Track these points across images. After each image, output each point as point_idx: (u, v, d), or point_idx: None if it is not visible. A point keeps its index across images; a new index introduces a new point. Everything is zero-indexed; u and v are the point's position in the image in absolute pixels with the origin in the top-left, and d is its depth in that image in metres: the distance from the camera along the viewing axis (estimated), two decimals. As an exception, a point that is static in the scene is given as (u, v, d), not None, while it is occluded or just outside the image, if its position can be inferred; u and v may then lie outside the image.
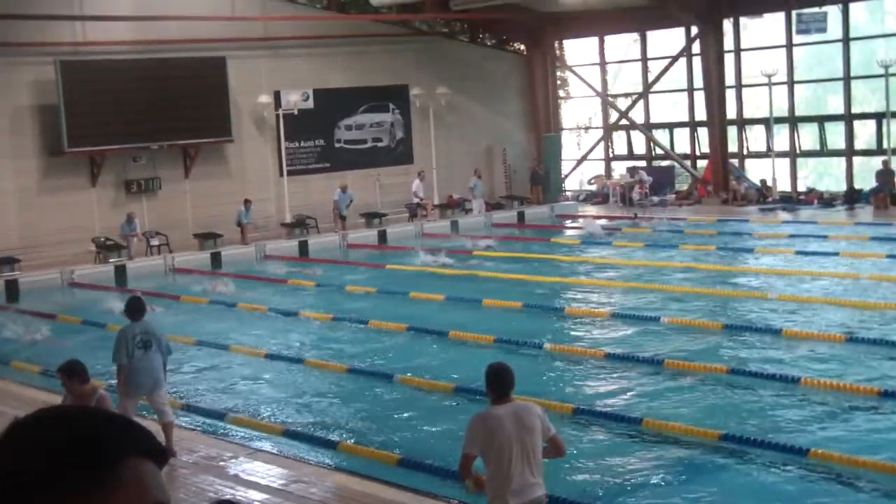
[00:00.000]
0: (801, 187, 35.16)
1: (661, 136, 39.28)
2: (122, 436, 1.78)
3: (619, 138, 40.86)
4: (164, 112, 30.29)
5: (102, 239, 29.57)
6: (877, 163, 32.72)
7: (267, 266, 28.89)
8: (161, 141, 30.68)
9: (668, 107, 39.58)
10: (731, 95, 36.21)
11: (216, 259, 29.46)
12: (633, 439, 12.35)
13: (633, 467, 11.44)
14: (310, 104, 33.58)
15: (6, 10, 28.32)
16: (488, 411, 7.87)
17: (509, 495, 7.65)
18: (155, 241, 30.17)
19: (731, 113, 36.27)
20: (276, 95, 32.98)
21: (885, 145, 33.10)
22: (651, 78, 38.80)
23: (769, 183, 34.78)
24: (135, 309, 12.18)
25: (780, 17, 34.85)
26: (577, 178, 41.49)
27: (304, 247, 30.86)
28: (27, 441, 1.75)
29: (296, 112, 32.73)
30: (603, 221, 33.33)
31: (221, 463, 11.48)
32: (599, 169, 41.06)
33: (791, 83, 34.97)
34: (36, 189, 29.62)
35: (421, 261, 27.06)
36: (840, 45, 33.82)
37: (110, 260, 28.69)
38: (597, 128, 41.31)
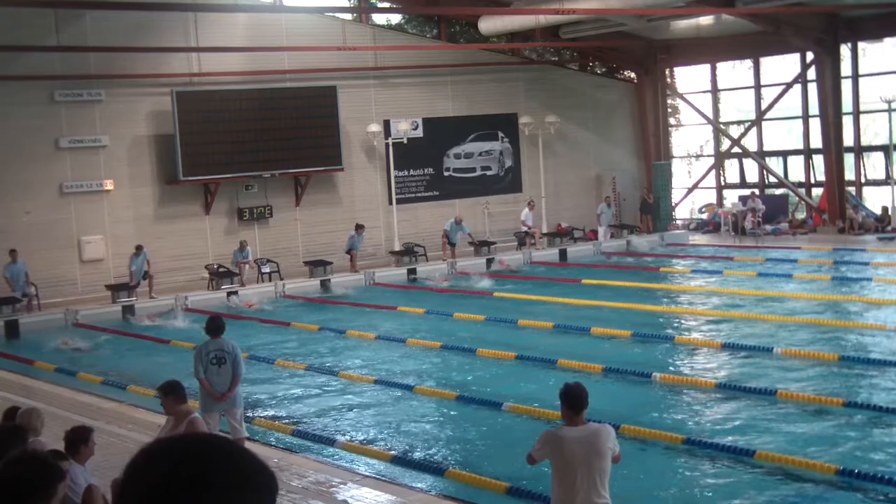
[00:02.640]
0: (922, 215, 34.18)
1: (775, 163, 38.59)
2: (224, 468, 1.89)
3: (731, 166, 40.29)
4: (276, 141, 30.82)
5: (215, 266, 30.07)
6: None
7: (375, 293, 29.04)
8: (273, 170, 31.14)
9: (782, 134, 38.86)
10: (847, 122, 35.42)
11: (326, 286, 29.74)
12: (745, 472, 12.06)
13: (745, 500, 11.16)
14: (419, 133, 33.86)
15: (126, 44, 29.12)
16: (561, 433, 8.08)
17: None
18: (266, 269, 30.63)
19: (848, 140, 35.46)
20: (386, 124, 33.26)
21: None
22: (764, 105, 38.20)
23: (889, 211, 33.89)
24: (213, 327, 13.08)
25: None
26: (687, 207, 41.01)
27: (412, 274, 30.99)
28: (139, 474, 1.96)
29: (405, 141, 32.93)
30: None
31: (331, 488, 11.51)
32: (710, 197, 40.51)
33: (912, 109, 34.08)
34: (152, 217, 30.31)
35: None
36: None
37: (223, 287, 29.16)
38: (708, 156, 40.79)
